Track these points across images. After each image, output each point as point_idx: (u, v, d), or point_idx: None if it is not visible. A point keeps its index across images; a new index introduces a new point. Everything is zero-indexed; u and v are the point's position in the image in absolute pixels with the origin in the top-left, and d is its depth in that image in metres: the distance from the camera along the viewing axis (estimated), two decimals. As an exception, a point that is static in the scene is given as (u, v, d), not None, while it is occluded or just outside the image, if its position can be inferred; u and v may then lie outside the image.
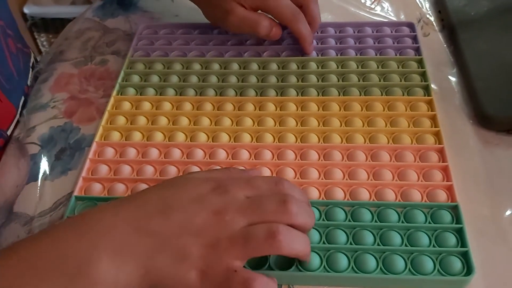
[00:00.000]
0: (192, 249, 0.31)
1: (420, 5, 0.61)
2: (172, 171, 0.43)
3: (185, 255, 0.31)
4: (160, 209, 0.33)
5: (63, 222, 0.33)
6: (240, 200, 0.34)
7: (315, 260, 0.36)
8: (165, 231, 0.32)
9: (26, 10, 1.49)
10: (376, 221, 0.39)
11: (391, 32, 0.55)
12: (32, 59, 0.59)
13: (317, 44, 0.54)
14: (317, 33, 0.55)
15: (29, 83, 0.56)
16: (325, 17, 0.59)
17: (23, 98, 0.53)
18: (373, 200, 0.40)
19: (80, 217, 0.33)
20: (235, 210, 0.33)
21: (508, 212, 0.40)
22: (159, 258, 0.31)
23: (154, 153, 0.45)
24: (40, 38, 1.56)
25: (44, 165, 0.46)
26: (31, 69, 0.58)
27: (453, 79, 0.52)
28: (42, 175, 0.45)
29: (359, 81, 0.50)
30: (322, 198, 0.41)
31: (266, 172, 0.43)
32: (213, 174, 0.37)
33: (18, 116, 0.51)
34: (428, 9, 0.60)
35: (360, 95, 0.48)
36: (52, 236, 0.32)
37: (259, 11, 0.50)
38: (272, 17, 0.51)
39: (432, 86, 0.50)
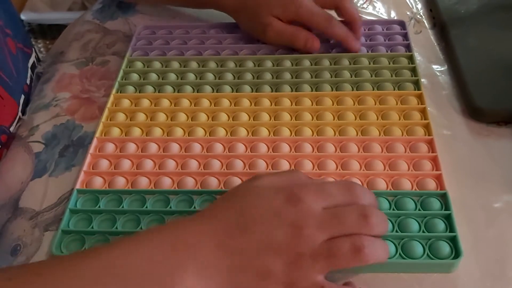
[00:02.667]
0: (275, 266, 0.31)
1: (410, 4, 0.63)
2: (171, 164, 0.45)
3: (268, 273, 0.31)
4: (239, 225, 0.32)
5: (145, 233, 0.33)
6: (317, 212, 0.33)
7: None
8: (246, 248, 0.32)
9: (23, 16, 1.50)
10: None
11: (383, 30, 0.57)
12: (33, 59, 0.61)
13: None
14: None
15: (28, 81, 0.57)
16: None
17: (23, 96, 0.54)
18: (365, 189, 0.42)
19: (164, 229, 0.33)
20: (314, 225, 0.32)
21: (497, 200, 0.42)
22: (242, 276, 0.31)
23: (153, 147, 0.46)
24: (37, 44, 1.57)
25: (48, 162, 0.48)
26: (30, 69, 0.59)
27: (443, 74, 0.53)
28: (47, 172, 0.47)
29: (351, 77, 0.51)
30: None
31: (262, 164, 0.44)
32: (280, 181, 0.36)
33: (19, 113, 0.53)
34: (420, 8, 0.62)
35: (353, 90, 0.50)
36: (135, 245, 0.32)
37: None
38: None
39: (424, 81, 0.52)
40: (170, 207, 0.41)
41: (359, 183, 0.42)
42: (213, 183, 0.43)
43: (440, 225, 0.39)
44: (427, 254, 0.37)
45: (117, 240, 0.32)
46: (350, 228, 0.33)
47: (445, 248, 0.37)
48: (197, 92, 0.51)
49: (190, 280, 0.30)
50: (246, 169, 0.44)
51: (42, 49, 1.58)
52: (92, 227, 0.41)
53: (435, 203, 0.40)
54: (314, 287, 0.32)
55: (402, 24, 0.57)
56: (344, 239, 0.32)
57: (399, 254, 0.37)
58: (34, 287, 0.29)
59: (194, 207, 0.41)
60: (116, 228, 0.40)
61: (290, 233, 0.32)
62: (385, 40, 0.56)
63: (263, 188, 0.35)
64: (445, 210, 0.40)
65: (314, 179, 0.39)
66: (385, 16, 0.61)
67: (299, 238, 0.32)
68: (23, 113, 0.54)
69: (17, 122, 0.52)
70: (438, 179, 0.42)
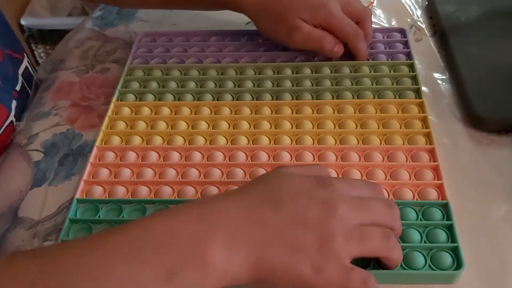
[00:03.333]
0: (307, 241, 0.31)
1: (411, 12, 0.63)
2: (171, 173, 0.44)
3: (299, 246, 0.31)
4: (271, 201, 0.33)
5: (176, 206, 0.34)
6: (348, 197, 0.34)
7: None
8: (277, 222, 0.32)
9: (23, 21, 1.50)
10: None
11: (383, 37, 0.57)
12: (25, 64, 0.60)
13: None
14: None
15: (18, 88, 0.57)
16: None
17: (14, 102, 0.54)
18: (366, 199, 0.41)
19: (194, 203, 0.34)
20: (347, 207, 0.33)
21: (499, 209, 0.42)
22: (272, 249, 0.31)
23: (153, 156, 0.46)
24: (37, 49, 1.57)
25: (47, 171, 0.47)
26: (21, 75, 0.59)
27: (444, 82, 0.53)
28: (46, 181, 0.47)
29: (352, 85, 0.51)
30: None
31: (263, 173, 0.44)
32: (307, 171, 0.37)
33: (12, 119, 0.53)
34: (420, 16, 0.62)
35: (353, 98, 0.50)
36: (166, 216, 0.32)
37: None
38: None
39: (424, 89, 0.52)
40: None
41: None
42: (214, 192, 0.43)
43: (442, 235, 0.38)
44: (429, 265, 0.37)
45: (140, 218, 0.33)
46: (379, 216, 0.34)
47: (447, 259, 0.37)
48: (198, 100, 0.51)
49: (219, 249, 0.30)
50: (247, 178, 0.44)
51: (42, 54, 1.57)
52: (92, 237, 0.40)
53: (437, 213, 0.40)
54: (345, 269, 0.31)
55: (402, 31, 0.57)
56: (376, 227, 0.33)
57: (401, 264, 0.37)
58: (79, 259, 0.30)
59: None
60: None
61: (323, 212, 0.32)
62: (385, 48, 0.56)
63: (292, 173, 0.35)
64: (446, 220, 0.39)
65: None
66: (385, 24, 0.61)
67: (332, 217, 0.32)
68: (18, 119, 0.54)
69: (7, 127, 0.52)
70: (440, 188, 0.42)
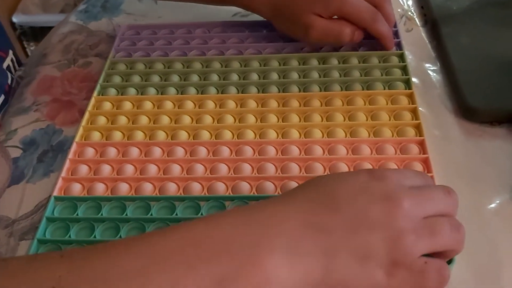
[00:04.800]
0: (376, 244, 0.28)
1: (401, 1, 0.61)
2: (153, 169, 0.43)
3: (368, 252, 0.28)
4: (327, 204, 0.30)
5: (228, 210, 0.31)
6: (406, 188, 0.31)
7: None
8: (339, 227, 0.29)
9: (14, 19, 1.49)
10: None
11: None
12: (8, 62, 0.59)
13: (299, 40, 0.54)
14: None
15: (9, 82, 0.55)
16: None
17: (3, 96, 0.52)
18: (354, 193, 0.40)
19: (249, 207, 0.31)
20: (410, 199, 0.30)
21: (491, 202, 0.40)
22: (339, 257, 0.28)
23: (134, 152, 0.44)
24: (29, 47, 1.56)
25: (26, 168, 0.46)
26: (6, 70, 0.57)
27: (435, 73, 0.52)
28: (24, 178, 0.45)
29: (340, 76, 0.50)
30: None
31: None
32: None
33: None
34: (411, 5, 0.61)
35: (341, 90, 0.48)
36: (209, 220, 0.30)
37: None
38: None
39: (415, 80, 0.50)
40: (151, 214, 0.40)
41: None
42: (196, 188, 0.41)
43: (432, 230, 0.37)
44: (418, 261, 0.35)
45: (180, 224, 0.30)
46: (442, 205, 0.31)
47: (437, 254, 0.36)
48: (181, 94, 0.50)
49: (279, 258, 0.27)
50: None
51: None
52: (70, 236, 0.39)
53: (427, 207, 0.39)
54: (419, 264, 0.29)
55: (392, 21, 0.56)
56: (443, 218, 0.31)
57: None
58: (130, 258, 0.27)
59: (176, 214, 0.40)
60: (95, 236, 0.39)
61: (386, 207, 0.29)
62: (374, 38, 0.54)
63: (342, 173, 0.33)
64: (436, 214, 0.38)
65: None
66: (375, 14, 0.60)
67: (397, 211, 0.29)
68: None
69: None
70: (430, 181, 0.40)
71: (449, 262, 0.35)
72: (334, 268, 0.28)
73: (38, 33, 1.56)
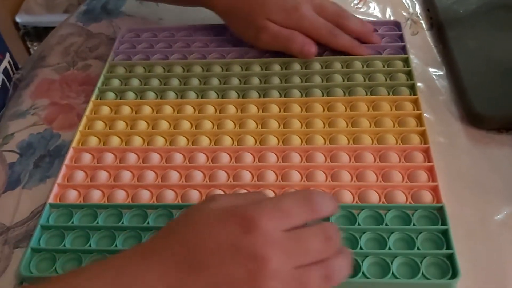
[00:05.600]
0: None
1: (407, 5, 0.60)
2: (150, 176, 0.42)
3: None
4: (190, 263, 0.28)
5: (91, 267, 0.30)
6: (277, 238, 0.29)
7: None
8: None
9: (18, 19, 1.48)
10: (359, 224, 0.37)
11: (377, 31, 0.54)
12: (5, 64, 0.58)
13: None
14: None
15: None
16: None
17: None
18: (356, 202, 0.39)
19: (112, 264, 0.30)
20: (278, 255, 0.28)
21: (498, 213, 0.39)
22: None
23: (132, 158, 0.43)
24: (33, 47, 1.56)
25: (22, 174, 0.45)
26: (1, 73, 0.57)
27: (441, 78, 0.51)
28: (20, 184, 0.44)
29: (343, 81, 0.49)
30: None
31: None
32: (234, 201, 0.32)
33: None
34: (417, 8, 0.59)
35: (345, 95, 0.47)
36: (79, 283, 0.29)
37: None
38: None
39: (420, 85, 0.49)
40: (148, 223, 0.39)
41: (349, 195, 0.39)
42: (195, 196, 0.40)
43: (437, 241, 0.36)
44: (422, 274, 0.34)
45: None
46: (317, 254, 0.30)
47: (442, 267, 0.35)
48: (181, 98, 0.49)
49: None
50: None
51: (38, 53, 1.56)
52: (64, 245, 0.38)
53: (431, 218, 0.37)
54: None
55: (397, 25, 0.55)
56: (314, 268, 0.29)
57: (392, 274, 0.34)
58: None
59: (148, 222, 0.39)
60: (90, 245, 0.38)
61: (251, 268, 0.28)
62: (379, 42, 0.53)
63: (213, 214, 0.30)
64: (441, 225, 0.37)
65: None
66: (380, 17, 0.58)
67: (263, 273, 0.28)
68: None
69: None
70: (435, 191, 0.39)
71: (453, 276, 0.34)
72: None
73: (41, 33, 1.56)
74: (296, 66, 0.51)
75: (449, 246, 0.35)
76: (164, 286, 0.28)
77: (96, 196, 0.41)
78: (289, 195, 0.32)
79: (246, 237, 0.28)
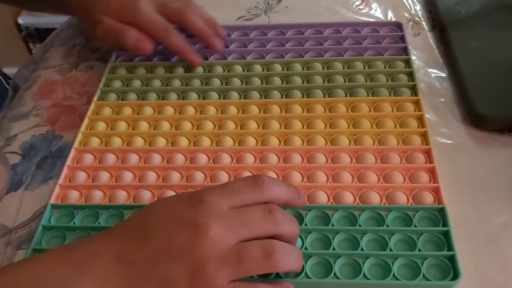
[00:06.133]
0: (177, 275, 0.29)
1: (409, 6, 0.60)
2: (152, 177, 0.42)
3: (170, 282, 0.29)
4: (139, 234, 0.31)
5: (47, 250, 0.32)
6: (221, 212, 0.30)
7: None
8: (145, 258, 0.30)
9: (20, 20, 1.49)
10: (360, 226, 0.37)
11: (379, 32, 0.54)
12: None
13: (303, 45, 0.53)
14: (303, 33, 0.54)
15: None
16: (313, 18, 0.58)
17: None
18: (358, 203, 0.39)
19: (63, 246, 0.32)
20: (219, 226, 0.30)
21: (499, 214, 0.39)
22: None
23: (133, 158, 0.44)
24: (35, 48, 1.56)
25: (24, 175, 0.45)
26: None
27: (443, 79, 0.50)
28: (22, 185, 0.44)
29: (345, 82, 0.49)
30: (305, 203, 0.39)
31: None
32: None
33: None
34: (418, 9, 0.59)
35: (346, 96, 0.47)
36: (33, 260, 0.31)
37: None
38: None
39: (422, 86, 0.49)
40: (149, 223, 0.39)
41: (351, 196, 0.39)
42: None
43: (438, 243, 0.36)
44: (423, 275, 0.34)
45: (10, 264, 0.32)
46: (256, 229, 0.31)
47: (443, 268, 0.35)
48: (183, 99, 0.49)
49: None
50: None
51: (40, 54, 1.56)
52: (66, 245, 0.38)
53: (432, 219, 0.37)
54: None
55: (399, 25, 0.55)
56: (254, 242, 0.30)
57: (393, 275, 0.34)
58: None
59: None
60: None
61: (191, 236, 0.29)
62: (381, 43, 0.53)
63: (171, 197, 0.33)
64: (442, 226, 0.37)
65: None
66: (382, 18, 0.58)
67: (201, 240, 0.29)
68: None
69: None
70: (436, 192, 0.39)
71: (455, 278, 0.34)
72: None
73: (44, 34, 1.57)
74: (298, 67, 0.51)
75: (450, 248, 0.35)
76: (112, 253, 0.30)
77: (97, 197, 0.41)
78: (240, 178, 0.34)
79: (190, 210, 0.30)
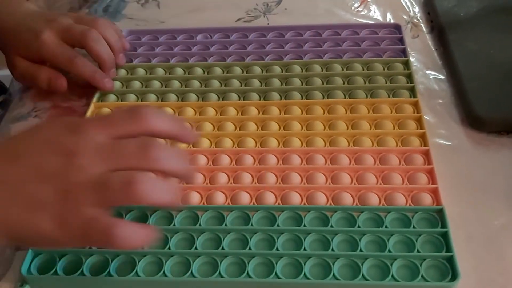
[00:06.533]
0: (45, 196, 0.29)
1: (407, 8, 0.60)
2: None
3: (37, 203, 0.29)
4: (8, 154, 0.31)
5: None
6: (96, 141, 0.30)
7: (293, 270, 0.35)
8: (14, 179, 0.30)
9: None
10: (359, 227, 0.37)
11: (377, 34, 0.54)
12: None
13: (302, 47, 0.53)
14: (302, 35, 0.55)
15: None
16: (312, 19, 0.59)
17: None
18: (356, 204, 0.39)
19: None
20: (92, 153, 0.30)
21: (498, 215, 0.39)
22: (12, 209, 0.29)
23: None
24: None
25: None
26: None
27: (441, 81, 0.51)
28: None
29: (343, 83, 0.49)
30: (304, 204, 0.39)
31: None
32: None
33: None
34: (417, 11, 0.59)
35: (345, 97, 0.47)
36: None
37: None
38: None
39: (421, 88, 0.49)
40: (149, 223, 0.39)
41: (349, 197, 0.39)
42: (194, 199, 0.40)
43: (436, 244, 0.36)
44: (422, 276, 0.34)
45: None
46: (128, 161, 0.30)
47: (442, 269, 0.35)
48: (182, 100, 0.49)
49: None
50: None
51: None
52: (65, 246, 0.38)
53: (431, 220, 0.38)
54: (88, 219, 0.29)
55: (397, 27, 0.55)
56: (118, 172, 0.30)
57: (392, 276, 0.34)
58: None
59: (174, 225, 0.39)
60: (90, 247, 0.38)
61: (62, 161, 0.30)
62: (379, 45, 0.53)
63: (51, 121, 0.34)
64: (441, 227, 0.37)
65: None
66: (380, 20, 0.59)
67: (71, 166, 0.30)
68: None
69: None
70: (434, 193, 0.39)
71: (453, 279, 0.34)
72: (8, 219, 0.29)
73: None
74: (297, 69, 0.51)
75: (448, 249, 0.35)
76: None
77: (96, 198, 0.41)
78: (122, 109, 0.33)
79: (66, 137, 0.31)
